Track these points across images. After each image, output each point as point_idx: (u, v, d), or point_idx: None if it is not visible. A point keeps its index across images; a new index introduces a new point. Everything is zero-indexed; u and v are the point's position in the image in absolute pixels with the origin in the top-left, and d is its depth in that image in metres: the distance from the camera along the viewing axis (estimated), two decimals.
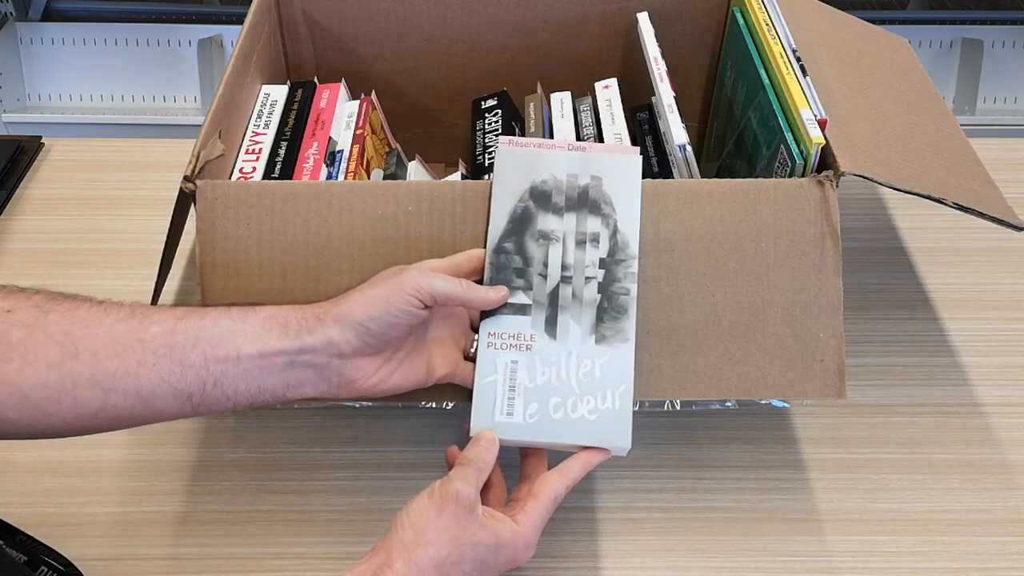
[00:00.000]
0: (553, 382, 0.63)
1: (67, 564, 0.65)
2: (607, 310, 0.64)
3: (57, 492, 0.73)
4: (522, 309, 0.64)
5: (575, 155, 0.67)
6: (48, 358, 0.52)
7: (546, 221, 0.66)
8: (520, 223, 0.66)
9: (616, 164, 0.67)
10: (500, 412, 0.62)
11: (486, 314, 0.64)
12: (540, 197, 0.66)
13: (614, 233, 0.65)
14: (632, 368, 0.63)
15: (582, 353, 0.63)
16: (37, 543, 0.65)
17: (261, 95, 0.83)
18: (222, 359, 0.56)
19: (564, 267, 0.65)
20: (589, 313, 0.64)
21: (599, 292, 0.64)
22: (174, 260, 0.74)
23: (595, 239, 0.65)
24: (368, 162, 0.82)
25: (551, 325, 0.64)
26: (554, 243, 0.65)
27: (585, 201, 0.66)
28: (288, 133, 0.79)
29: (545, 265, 0.65)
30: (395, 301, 0.58)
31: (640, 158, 0.67)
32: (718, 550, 0.70)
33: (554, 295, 0.64)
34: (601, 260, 0.65)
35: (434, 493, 0.57)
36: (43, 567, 0.63)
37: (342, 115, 0.84)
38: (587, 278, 0.64)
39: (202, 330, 0.56)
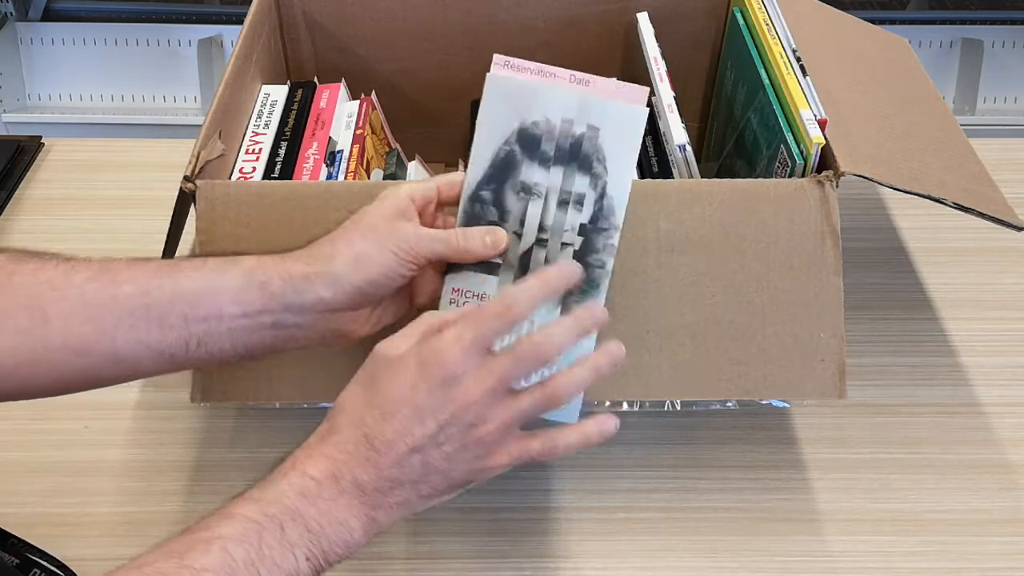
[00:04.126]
0: None
1: (61, 566, 0.65)
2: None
3: (57, 492, 0.73)
4: (490, 268, 0.60)
5: (575, 94, 0.61)
6: (16, 324, 0.50)
7: (531, 172, 0.60)
8: (502, 170, 0.60)
9: (619, 115, 0.60)
10: None
11: (453, 267, 0.60)
12: (528, 142, 0.60)
13: (601, 197, 0.60)
14: (592, 348, 0.58)
15: (544, 324, 0.57)
16: (30, 546, 0.64)
17: (261, 95, 0.83)
18: (203, 319, 0.53)
19: (542, 228, 0.60)
20: None
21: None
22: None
23: (579, 201, 0.60)
24: (368, 162, 0.82)
25: None
26: (535, 199, 0.60)
27: (577, 154, 0.60)
28: (288, 133, 0.79)
29: (522, 223, 0.60)
30: (392, 265, 0.56)
31: (646, 112, 0.61)
32: (718, 550, 0.70)
33: (526, 257, 0.60)
34: (582, 226, 0.60)
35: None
36: (35, 569, 0.63)
37: (342, 115, 0.83)
38: (563, 244, 0.60)
39: (178, 287, 0.53)
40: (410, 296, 0.61)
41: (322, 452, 0.51)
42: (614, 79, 0.63)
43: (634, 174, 0.61)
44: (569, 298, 0.59)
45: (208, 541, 0.47)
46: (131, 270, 0.54)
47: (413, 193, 0.59)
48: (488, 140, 0.61)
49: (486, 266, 0.60)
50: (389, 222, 0.57)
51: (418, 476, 0.51)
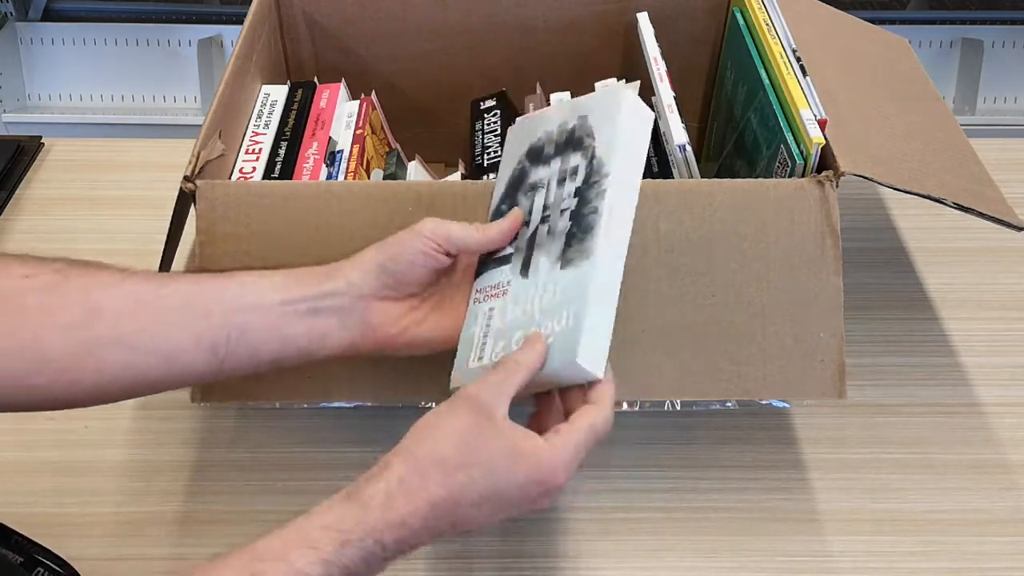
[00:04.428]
0: (520, 317, 0.59)
1: (64, 564, 0.65)
2: (575, 234, 0.59)
3: (57, 492, 0.73)
4: (505, 259, 0.62)
5: (568, 104, 0.65)
6: (70, 320, 0.52)
7: (536, 173, 0.64)
8: (515, 183, 0.65)
9: (603, 97, 0.64)
10: (474, 359, 0.59)
11: (477, 272, 0.63)
12: (534, 155, 0.65)
13: (591, 160, 0.61)
14: (589, 282, 0.56)
15: (547, 281, 0.59)
16: (33, 544, 0.64)
17: (261, 95, 0.83)
18: (245, 309, 0.56)
19: (545, 207, 0.62)
20: (559, 242, 0.60)
21: (570, 220, 0.60)
22: (174, 260, 0.74)
23: (574, 172, 0.62)
24: (368, 162, 0.82)
25: (526, 266, 0.61)
26: (540, 191, 0.63)
27: (571, 141, 0.63)
28: (288, 133, 0.79)
29: (530, 214, 0.63)
30: (411, 242, 0.58)
31: (631, 90, 0.62)
32: (718, 550, 0.70)
33: (532, 237, 0.62)
34: (576, 189, 0.61)
35: (452, 398, 0.54)
36: (40, 568, 0.63)
37: (342, 115, 0.83)
38: (562, 211, 0.61)
39: (223, 286, 0.56)
40: (456, 315, 0.62)
41: (404, 521, 0.50)
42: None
43: (620, 132, 0.60)
44: (568, 249, 0.59)
45: None
46: (178, 277, 0.57)
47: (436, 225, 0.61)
48: (506, 169, 0.66)
49: (502, 260, 0.62)
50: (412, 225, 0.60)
51: (457, 533, 0.53)
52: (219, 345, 0.55)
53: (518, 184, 0.65)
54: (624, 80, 0.84)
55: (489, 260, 0.63)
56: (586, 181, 0.60)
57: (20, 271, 0.53)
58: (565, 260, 0.59)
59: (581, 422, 0.53)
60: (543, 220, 0.62)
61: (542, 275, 0.59)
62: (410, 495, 0.51)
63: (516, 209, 0.63)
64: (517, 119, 0.68)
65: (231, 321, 0.55)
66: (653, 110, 0.83)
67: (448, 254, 0.59)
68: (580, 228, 0.59)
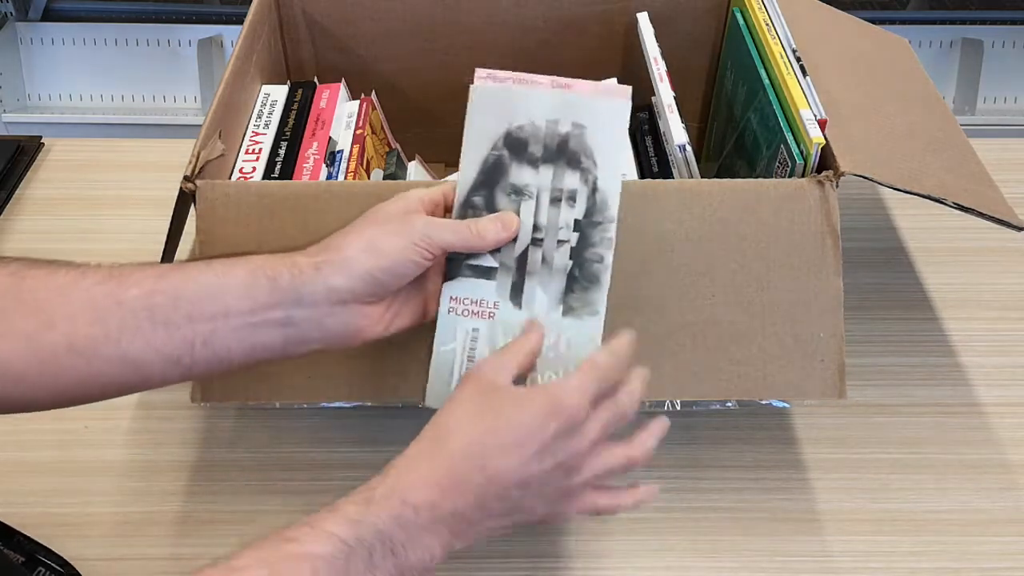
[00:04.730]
0: None
1: (65, 564, 0.65)
2: (578, 279, 0.59)
3: (57, 492, 0.73)
4: (487, 272, 0.60)
5: (557, 95, 0.61)
6: (24, 329, 0.50)
7: (520, 174, 0.60)
8: (492, 174, 0.61)
9: (602, 110, 0.61)
10: (457, 382, 0.59)
11: (449, 275, 0.60)
12: (515, 145, 0.61)
13: (593, 191, 0.60)
14: (597, 341, 0.59)
15: (547, 324, 0.58)
16: (35, 543, 0.65)
17: (261, 95, 0.83)
18: (208, 317, 0.53)
19: (536, 228, 0.60)
20: (558, 281, 0.59)
21: (571, 258, 0.59)
22: (174, 260, 0.74)
23: (572, 197, 0.60)
24: (368, 162, 0.82)
25: (517, 292, 0.60)
26: (527, 199, 0.60)
27: (564, 152, 0.60)
28: (288, 133, 0.79)
29: None
30: (406, 252, 0.56)
31: (628, 104, 0.61)
32: (718, 550, 0.70)
33: (522, 259, 0.60)
34: (576, 222, 0.59)
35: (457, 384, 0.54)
36: (40, 567, 0.63)
37: (342, 115, 0.84)
38: (559, 241, 0.59)
39: (184, 288, 0.53)
40: (424, 304, 0.61)
41: (429, 478, 0.51)
42: (594, 81, 0.63)
43: (630, 167, 0.61)
44: (570, 295, 0.59)
45: (300, 558, 0.47)
46: (139, 274, 0.53)
47: (422, 195, 0.59)
48: (476, 148, 0.61)
49: (483, 271, 0.60)
50: (400, 215, 0.57)
51: (508, 510, 0.53)
52: (183, 355, 0.53)
53: (495, 176, 0.61)
54: (616, 78, 0.84)
55: (462, 263, 0.60)
56: (588, 216, 0.60)
57: None
58: (567, 307, 0.59)
59: (580, 375, 0.54)
60: (534, 242, 0.60)
61: (538, 313, 0.59)
62: (430, 455, 0.51)
63: (513, 217, 0.60)
64: (482, 76, 0.62)
65: (195, 330, 0.53)
66: (653, 110, 0.84)
67: (434, 256, 0.58)
68: (584, 275, 0.59)
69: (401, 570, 0.50)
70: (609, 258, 0.60)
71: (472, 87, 0.62)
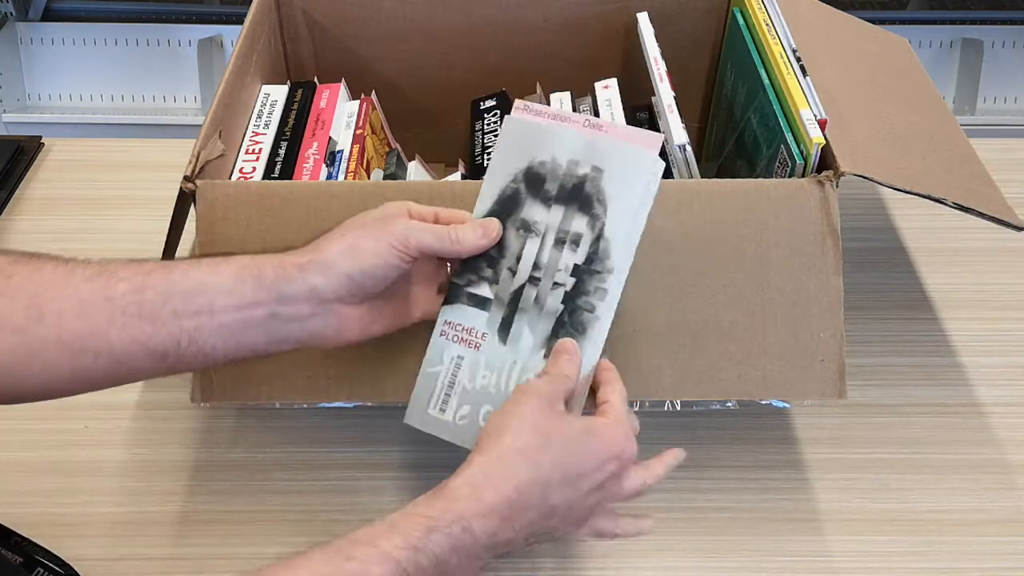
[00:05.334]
0: (490, 388, 0.59)
1: (63, 565, 0.65)
2: (566, 325, 0.59)
3: (57, 492, 0.73)
4: (483, 303, 0.60)
5: (585, 135, 0.60)
6: (13, 323, 0.51)
7: (532, 210, 0.60)
8: (506, 207, 0.61)
9: (625, 155, 0.59)
10: (434, 405, 0.60)
11: (448, 299, 0.61)
12: (533, 180, 0.61)
13: (597, 238, 0.59)
14: (595, 360, 0.59)
15: (527, 365, 0.59)
16: (33, 544, 0.64)
17: (261, 95, 0.83)
18: (194, 313, 0.53)
19: (536, 266, 0.60)
20: (546, 323, 0.59)
21: (563, 303, 0.59)
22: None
23: (575, 241, 0.59)
24: (368, 162, 0.82)
25: (505, 327, 0.60)
26: (533, 236, 0.60)
27: (578, 195, 0.60)
28: (288, 133, 0.79)
29: (518, 260, 0.60)
30: (384, 255, 0.56)
31: (655, 155, 0.59)
32: (718, 550, 0.70)
33: (517, 295, 0.60)
34: (576, 266, 0.59)
35: (515, 394, 0.56)
36: (39, 568, 0.63)
37: (342, 115, 0.84)
38: (555, 284, 0.59)
39: (172, 285, 0.54)
40: (407, 309, 0.61)
41: (496, 508, 0.52)
42: (631, 127, 0.61)
43: (641, 221, 0.59)
44: (555, 340, 0.59)
45: None
46: (127, 270, 0.54)
47: (411, 204, 0.60)
48: (497, 178, 0.61)
49: (479, 300, 0.60)
50: (382, 219, 0.58)
51: (542, 531, 0.55)
52: (168, 351, 0.53)
53: (509, 207, 0.61)
54: (616, 78, 0.84)
55: (461, 290, 0.61)
56: (588, 263, 0.59)
57: None
58: (549, 350, 0.59)
59: (614, 398, 0.58)
60: (531, 280, 0.60)
61: (521, 353, 0.59)
62: (497, 483, 0.52)
63: (494, 224, 0.60)
64: (519, 108, 0.62)
65: (181, 326, 0.53)
66: (653, 110, 0.84)
67: (413, 259, 0.58)
68: (572, 322, 0.59)
69: None
70: (602, 309, 0.59)
71: (506, 118, 0.62)
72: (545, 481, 0.53)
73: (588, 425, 0.56)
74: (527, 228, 0.60)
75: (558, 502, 0.54)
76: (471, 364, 0.60)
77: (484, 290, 0.60)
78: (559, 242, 0.60)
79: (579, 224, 0.60)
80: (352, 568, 0.48)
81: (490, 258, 0.60)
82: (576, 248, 0.59)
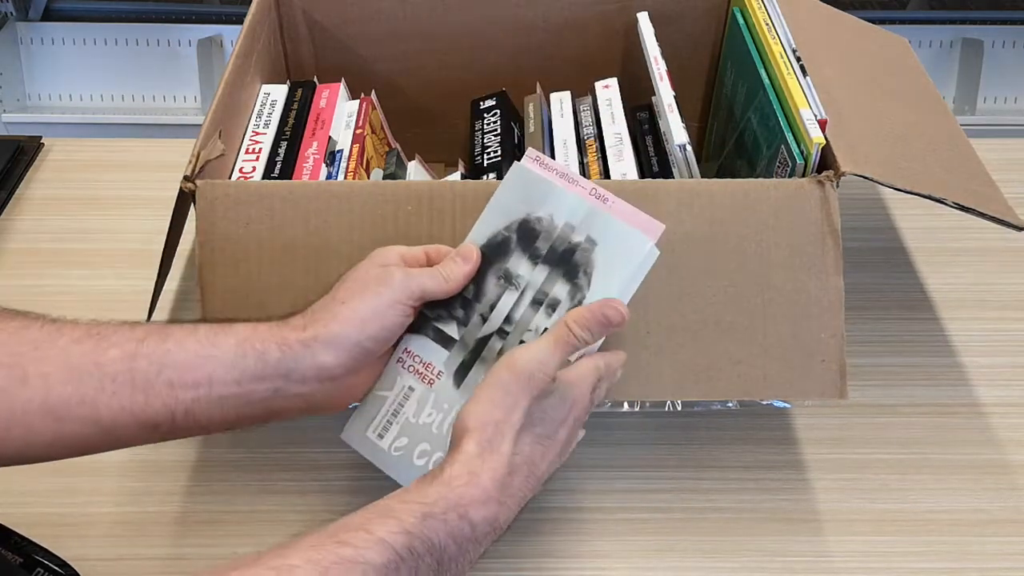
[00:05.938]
0: (433, 428, 0.59)
1: (64, 565, 0.65)
2: None
3: (57, 492, 0.73)
4: (447, 341, 0.60)
5: (588, 204, 0.60)
6: None
7: (518, 263, 0.60)
8: (494, 252, 0.60)
9: (623, 237, 0.59)
10: (373, 430, 0.60)
11: (413, 328, 0.60)
12: (526, 234, 0.60)
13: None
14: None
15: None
16: (33, 544, 0.64)
17: (261, 95, 0.83)
18: (192, 386, 0.52)
19: (508, 320, 0.59)
20: None
21: None
22: (174, 260, 0.74)
23: (552, 306, 0.59)
24: (368, 162, 0.82)
25: (462, 372, 0.59)
26: (512, 290, 0.60)
27: (567, 261, 0.59)
28: (288, 133, 0.79)
29: (492, 308, 0.60)
30: (391, 315, 0.56)
31: (652, 244, 0.59)
32: (718, 550, 0.70)
33: (482, 343, 0.60)
34: (546, 331, 0.58)
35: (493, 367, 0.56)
36: (39, 568, 0.63)
37: (342, 115, 0.84)
38: (522, 343, 0.59)
39: (167, 354, 0.51)
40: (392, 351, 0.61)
41: (491, 493, 0.52)
42: (635, 209, 0.60)
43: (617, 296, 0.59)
44: None
45: (352, 563, 0.47)
46: (119, 334, 0.52)
47: (403, 251, 0.60)
48: (491, 222, 0.61)
49: (443, 338, 0.60)
50: (379, 274, 0.57)
51: (527, 493, 0.55)
52: (161, 423, 0.52)
53: (496, 255, 0.60)
54: (616, 78, 0.84)
55: (429, 323, 0.60)
56: None
57: None
58: None
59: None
60: (500, 332, 0.60)
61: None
62: (493, 467, 0.52)
63: (471, 249, 0.60)
64: (532, 157, 0.61)
65: (177, 397, 0.51)
66: (653, 110, 0.84)
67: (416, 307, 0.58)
68: None
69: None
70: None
71: (514, 164, 0.61)
72: (530, 454, 0.54)
73: (561, 390, 0.56)
74: (508, 279, 0.60)
75: (547, 470, 0.56)
76: (420, 398, 0.60)
77: (452, 329, 0.60)
78: (536, 302, 0.60)
79: (560, 290, 0.59)
80: (345, 553, 0.47)
81: (464, 300, 0.60)
82: (552, 313, 0.59)
